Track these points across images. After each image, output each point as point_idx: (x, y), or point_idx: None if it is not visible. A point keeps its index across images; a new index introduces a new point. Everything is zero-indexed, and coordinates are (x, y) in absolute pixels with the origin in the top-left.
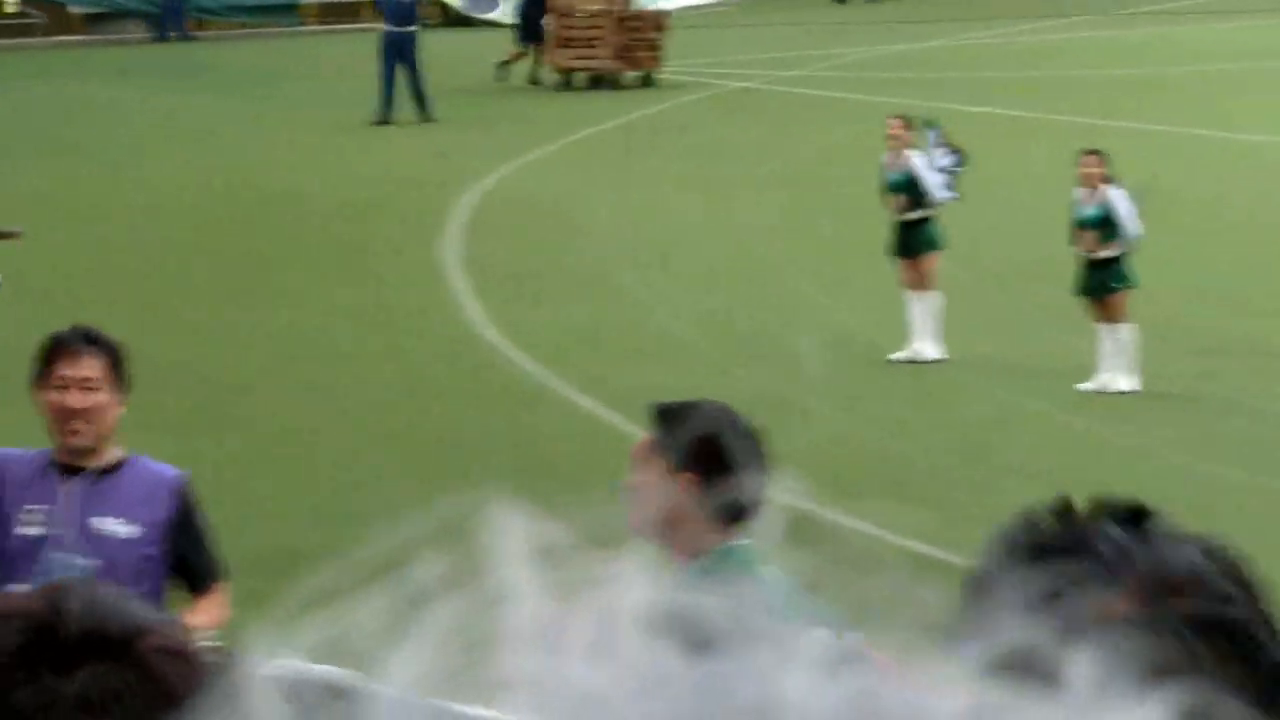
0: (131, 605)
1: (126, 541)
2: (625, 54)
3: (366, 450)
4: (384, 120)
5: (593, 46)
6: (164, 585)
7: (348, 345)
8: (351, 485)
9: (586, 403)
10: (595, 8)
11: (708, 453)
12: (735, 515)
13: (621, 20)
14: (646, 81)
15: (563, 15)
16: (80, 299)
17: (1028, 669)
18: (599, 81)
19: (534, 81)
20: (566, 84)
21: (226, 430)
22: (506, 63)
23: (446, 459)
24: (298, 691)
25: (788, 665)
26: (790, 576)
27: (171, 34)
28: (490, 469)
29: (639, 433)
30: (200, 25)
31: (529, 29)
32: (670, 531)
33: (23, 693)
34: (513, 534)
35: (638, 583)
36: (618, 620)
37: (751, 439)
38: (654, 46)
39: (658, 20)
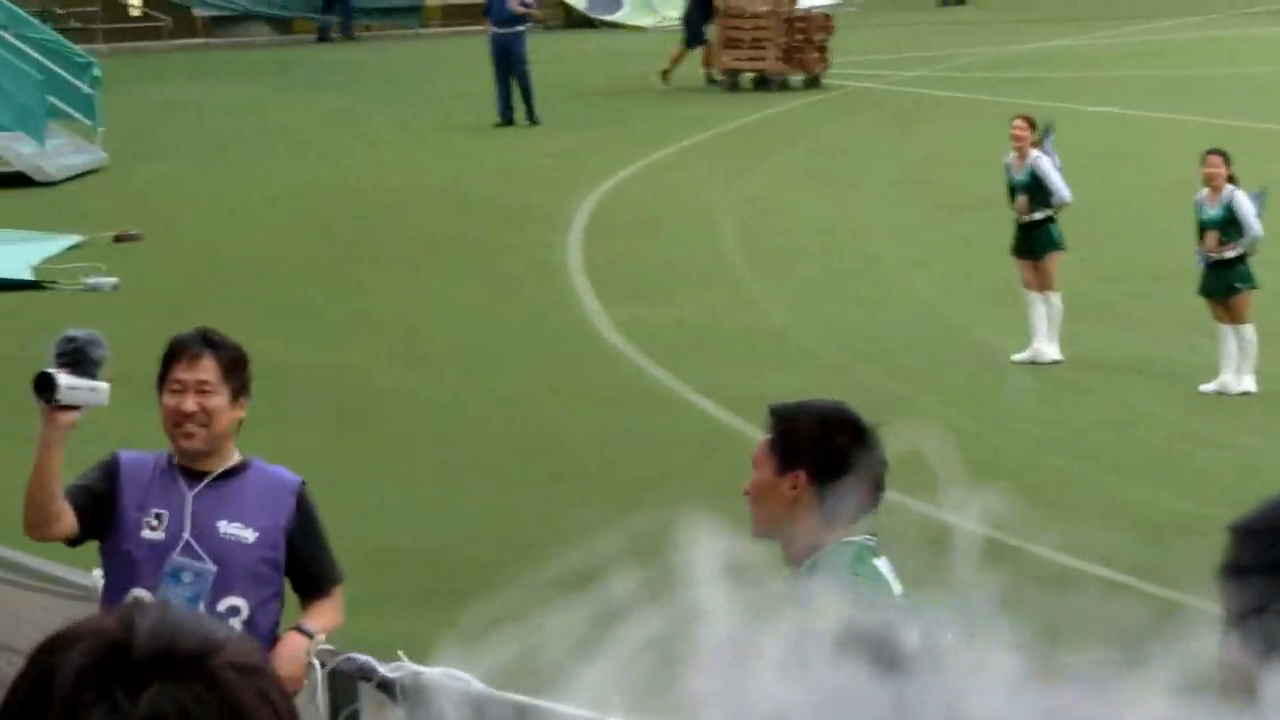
0: (204, 623)
1: (247, 546)
2: (792, 55)
3: (485, 449)
4: (506, 121)
5: (760, 48)
6: (281, 589)
7: (460, 344)
8: (468, 487)
9: (704, 403)
10: (762, 9)
11: (819, 450)
12: (849, 512)
13: (789, 22)
14: (813, 83)
15: (730, 17)
16: (199, 299)
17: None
18: (764, 83)
19: (711, 81)
20: (733, 85)
21: (349, 429)
22: (668, 70)
23: (565, 459)
24: (482, 708)
25: (975, 684)
26: (898, 571)
27: (334, 35)
28: (608, 469)
29: (755, 433)
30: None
31: (694, 32)
32: (786, 530)
33: (95, 712)
34: (705, 552)
35: (827, 602)
36: (808, 639)
37: (865, 436)
38: (821, 48)
39: (825, 22)
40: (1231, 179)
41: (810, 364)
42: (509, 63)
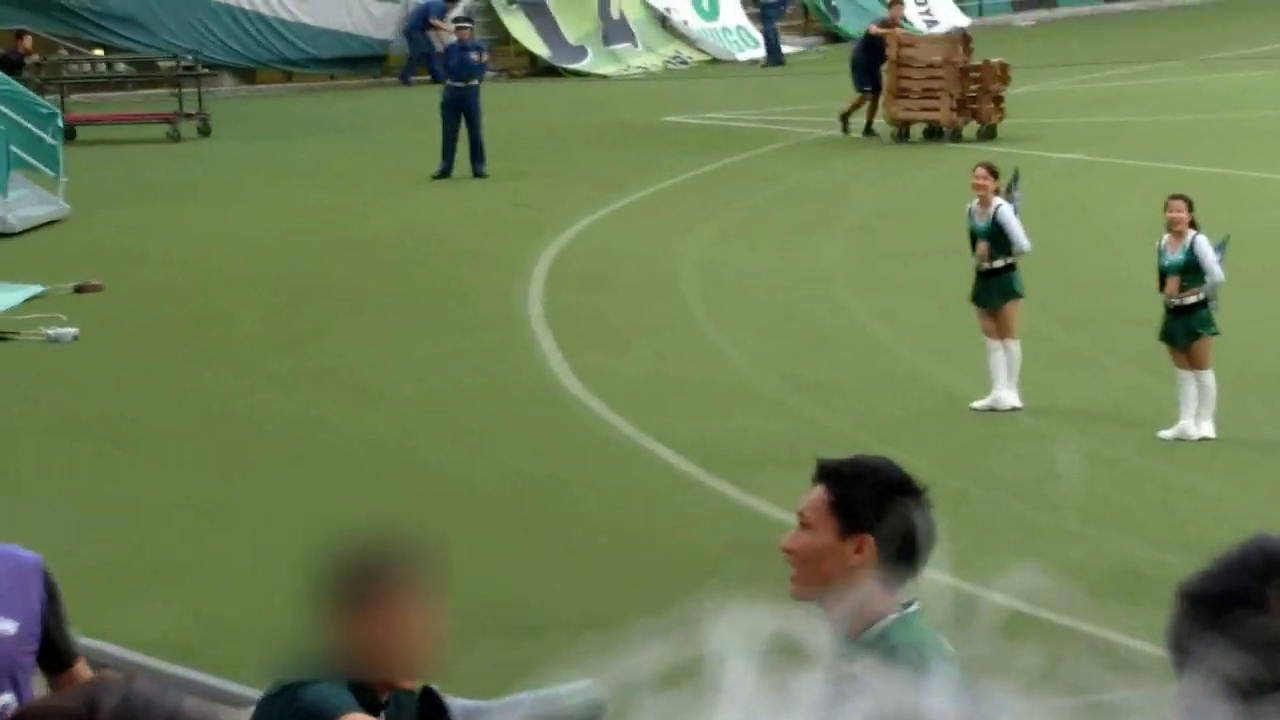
0: (167, 696)
1: (10, 639)
2: (966, 106)
3: (446, 496)
4: (444, 174)
5: (933, 98)
6: (33, 671)
7: (418, 391)
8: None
9: (663, 451)
10: (936, 59)
11: (886, 515)
12: (906, 576)
13: (964, 71)
14: (989, 134)
15: (901, 65)
16: (160, 350)
17: None
18: (936, 134)
19: (869, 132)
20: (903, 136)
21: (308, 476)
22: (847, 114)
23: (523, 506)
24: None
25: None
26: (955, 650)
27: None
28: (569, 515)
29: (712, 481)
30: (289, 77)
31: (864, 76)
32: (839, 595)
33: None
34: (734, 630)
35: (867, 684)
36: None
37: (923, 499)
38: (997, 98)
39: (1001, 72)
40: (1194, 224)
41: (771, 410)
42: (465, 117)
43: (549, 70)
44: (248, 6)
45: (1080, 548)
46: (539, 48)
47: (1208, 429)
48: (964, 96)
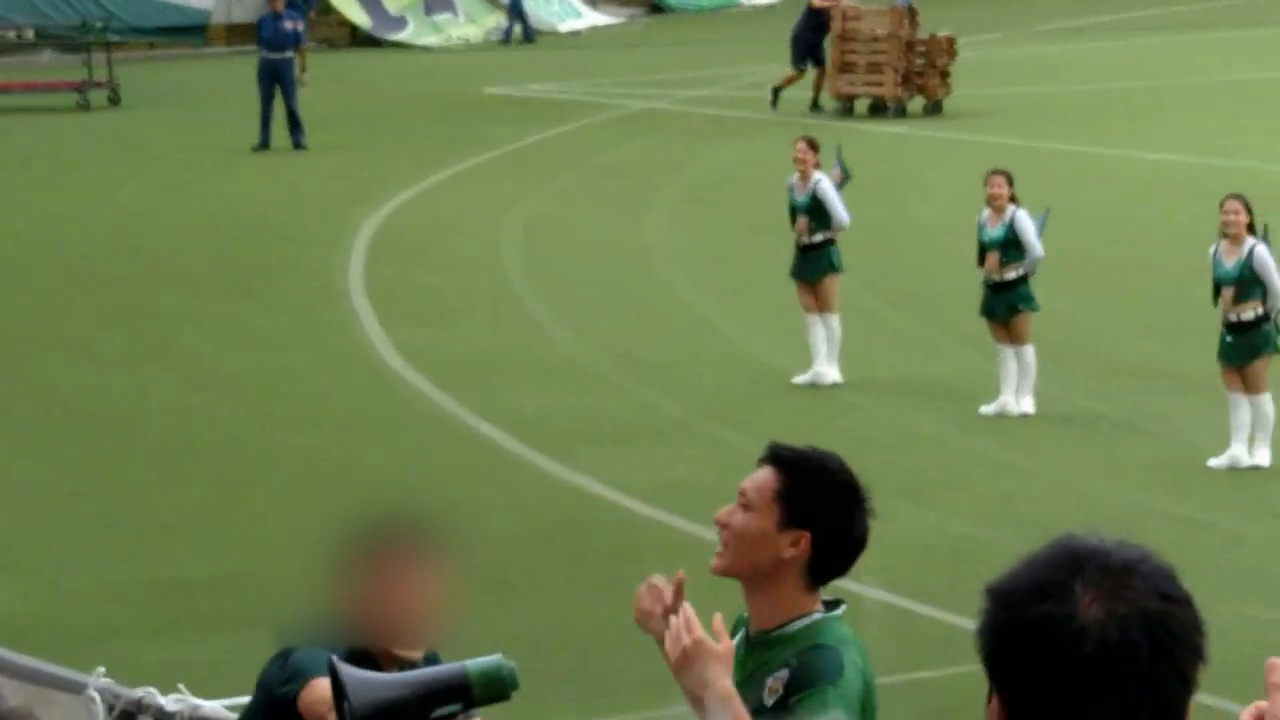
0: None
1: None
2: (911, 80)
3: (266, 475)
4: (263, 145)
5: (877, 72)
6: None
7: (244, 368)
8: (255, 512)
9: (487, 428)
10: (881, 32)
11: (829, 515)
12: (830, 577)
13: (909, 45)
14: (935, 109)
15: (845, 40)
16: None
17: None
18: (881, 109)
19: (815, 107)
20: (848, 111)
21: (131, 452)
22: (779, 88)
23: (348, 485)
24: None
25: None
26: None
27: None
28: (392, 495)
29: (537, 457)
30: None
31: (804, 51)
32: (764, 582)
33: None
34: None
35: None
36: None
37: (864, 502)
38: (944, 73)
39: (948, 45)
40: (1014, 199)
41: (596, 387)
42: (279, 87)
43: (370, 41)
44: None
45: (906, 524)
46: (360, 18)
47: (1028, 405)
48: (909, 71)
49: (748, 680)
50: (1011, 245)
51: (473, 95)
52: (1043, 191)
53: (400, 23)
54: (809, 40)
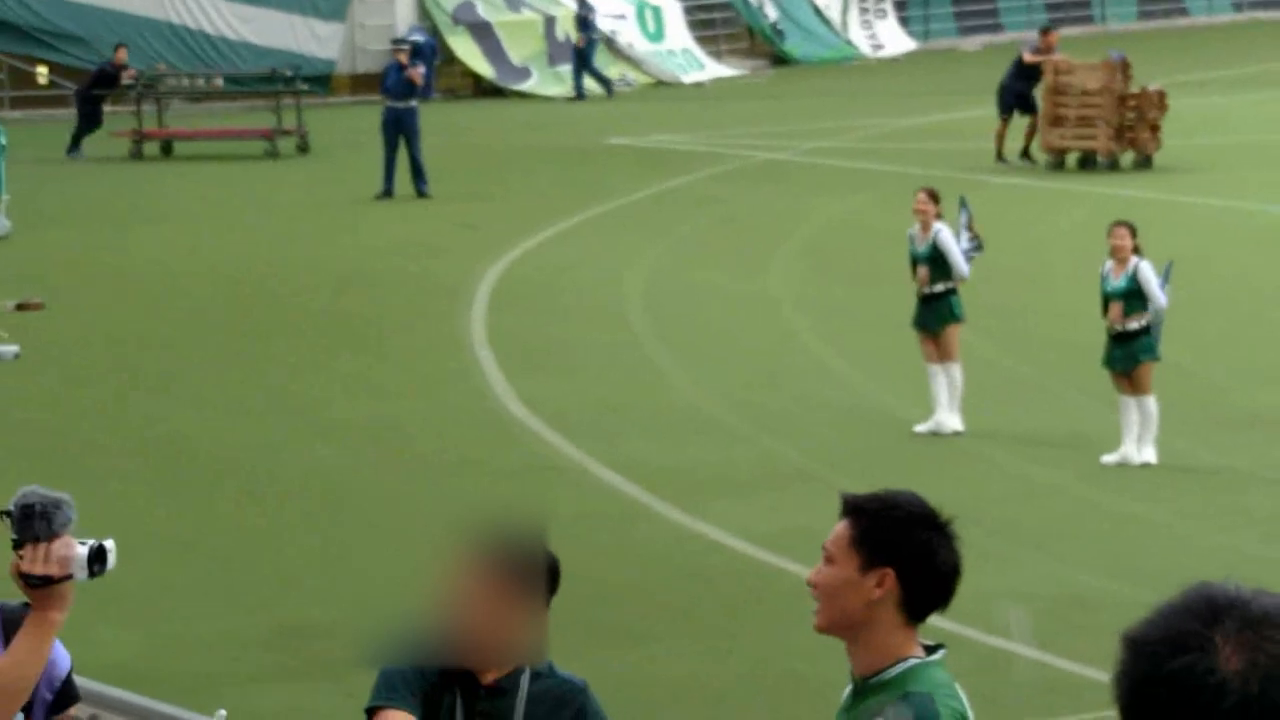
0: None
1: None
2: (1123, 134)
3: (386, 522)
4: (386, 194)
5: (1089, 125)
6: None
7: (362, 417)
8: (379, 560)
9: (611, 477)
10: (1093, 85)
11: (908, 548)
12: (928, 610)
13: (1121, 99)
14: (1145, 163)
15: (1056, 93)
16: (101, 370)
17: None
18: (1091, 162)
19: (1025, 155)
20: (1059, 165)
21: (254, 501)
22: (1000, 148)
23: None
24: None
25: None
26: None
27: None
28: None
29: (665, 507)
30: (234, 97)
31: (1010, 101)
32: (862, 630)
33: None
34: None
35: None
36: None
37: (947, 532)
38: (1154, 126)
39: (1159, 100)
40: (1137, 250)
41: (719, 437)
42: (402, 136)
43: (494, 91)
44: (193, 25)
45: (1025, 574)
46: (484, 68)
47: (1150, 454)
48: (1121, 125)
49: None
50: (1134, 295)
51: (595, 145)
52: (1167, 242)
53: (524, 73)
54: (1016, 90)
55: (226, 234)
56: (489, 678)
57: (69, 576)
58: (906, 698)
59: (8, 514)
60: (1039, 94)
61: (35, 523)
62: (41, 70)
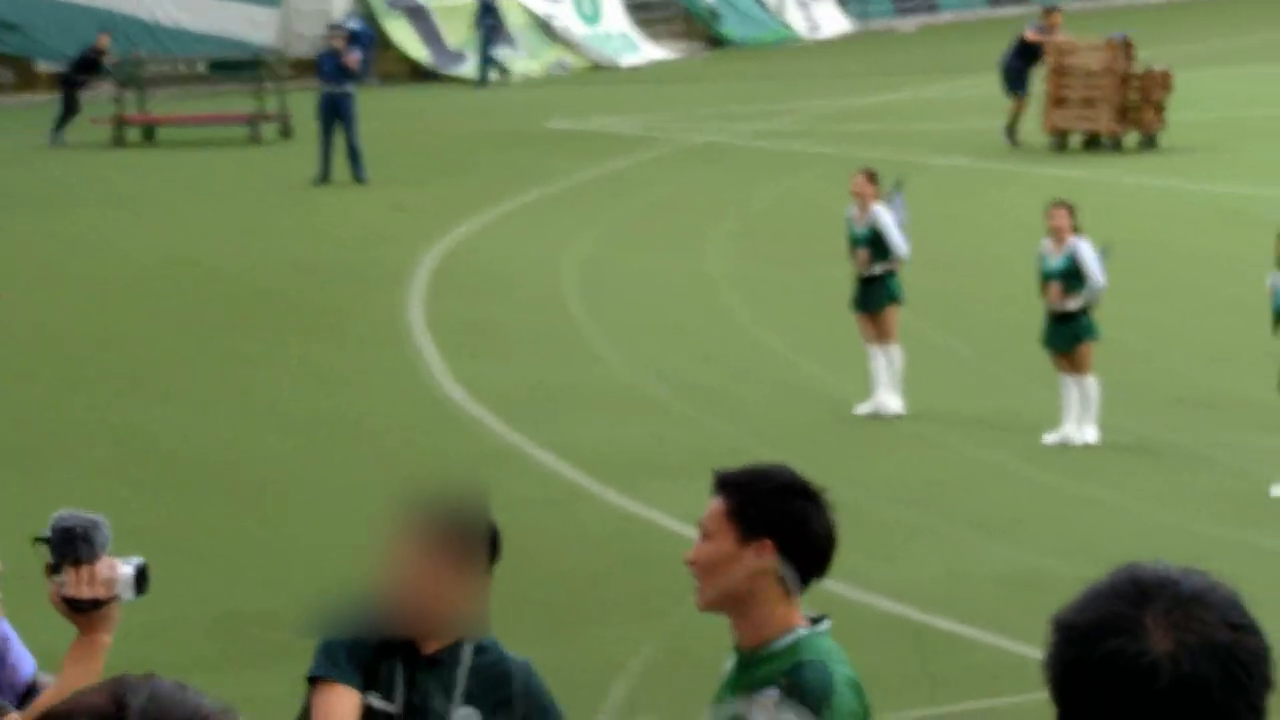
0: (190, 695)
1: None
2: (1127, 115)
3: (330, 510)
4: (323, 179)
5: (1091, 106)
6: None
7: (306, 404)
8: (315, 546)
9: (550, 459)
10: (1096, 66)
11: (784, 518)
12: (808, 578)
13: (1124, 80)
14: (1149, 144)
15: (1060, 74)
16: (52, 367)
17: None
18: (1095, 143)
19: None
20: (1061, 145)
21: (198, 494)
22: (1013, 126)
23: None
24: None
25: None
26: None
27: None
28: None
29: (602, 490)
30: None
31: (1016, 80)
32: (747, 606)
33: None
34: None
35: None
36: None
37: (820, 501)
38: (1159, 107)
39: (1164, 80)
40: (1076, 230)
41: (658, 417)
42: (339, 121)
43: (429, 75)
44: (129, 11)
45: (968, 555)
46: (419, 52)
47: (1091, 434)
48: (1124, 105)
49: (736, 699)
50: (1073, 275)
51: (533, 130)
52: (1105, 221)
53: (459, 58)
54: (1017, 68)
55: (161, 223)
56: (430, 648)
57: (115, 597)
58: (801, 667)
59: (44, 539)
60: (1038, 75)
61: (78, 545)
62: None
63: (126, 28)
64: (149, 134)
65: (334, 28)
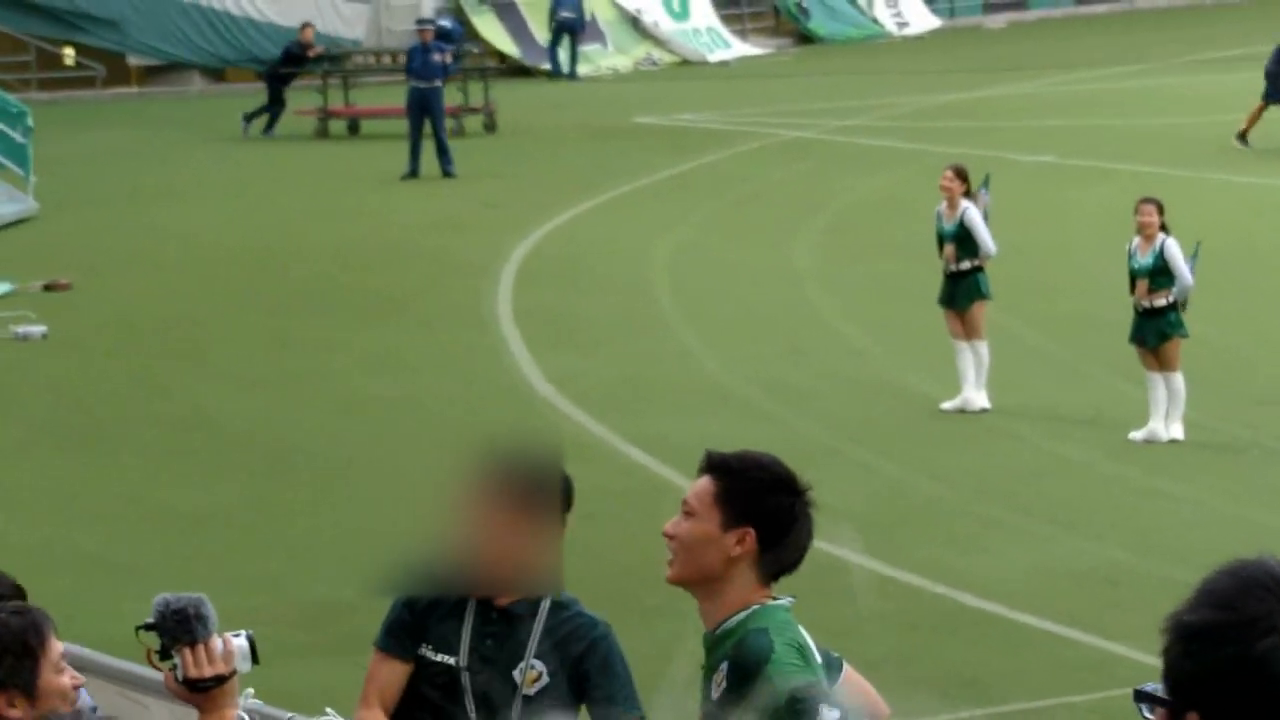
0: None
1: None
2: None
3: (412, 499)
4: (412, 174)
5: None
6: None
7: (387, 394)
8: (398, 535)
9: (635, 453)
10: None
11: (769, 510)
12: (780, 572)
13: None
14: None
15: None
16: (129, 349)
17: None
18: None
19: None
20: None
21: (281, 479)
22: (1246, 130)
23: None
24: None
25: None
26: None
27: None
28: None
29: (688, 483)
30: (259, 76)
31: (1276, 87)
32: (715, 584)
33: None
34: None
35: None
36: None
37: (805, 496)
38: None
39: None
40: (1164, 227)
41: (742, 413)
42: (427, 117)
43: (519, 70)
44: (219, 6)
45: (1053, 551)
46: (508, 47)
47: (1177, 431)
48: None
49: (703, 680)
50: (1161, 273)
51: (622, 124)
52: (1194, 219)
53: (550, 52)
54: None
55: (250, 212)
56: (503, 601)
57: (234, 671)
58: (745, 636)
59: (152, 626)
60: None
61: (192, 625)
62: (68, 51)
63: (218, 24)
64: (354, 127)
65: (423, 22)
